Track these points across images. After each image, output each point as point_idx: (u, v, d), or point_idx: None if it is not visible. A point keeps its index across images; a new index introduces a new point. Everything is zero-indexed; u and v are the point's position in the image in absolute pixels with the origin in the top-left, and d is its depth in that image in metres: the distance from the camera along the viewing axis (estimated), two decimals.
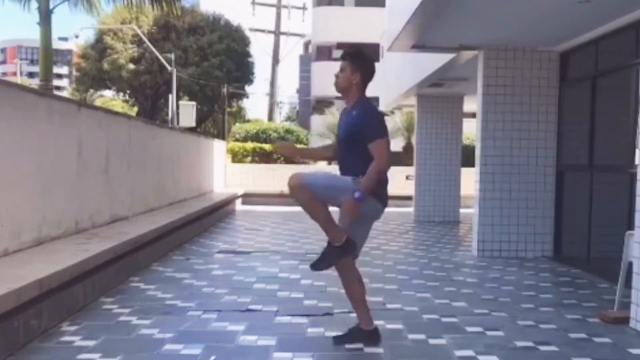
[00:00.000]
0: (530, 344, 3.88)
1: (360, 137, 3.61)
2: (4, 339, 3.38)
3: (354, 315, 4.48)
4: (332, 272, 6.18)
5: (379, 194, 3.65)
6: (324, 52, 30.07)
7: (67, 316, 4.21)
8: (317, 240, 8.61)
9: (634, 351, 3.78)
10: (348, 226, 3.71)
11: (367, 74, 3.72)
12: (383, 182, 3.67)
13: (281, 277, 5.88)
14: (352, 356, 3.64)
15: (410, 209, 12.63)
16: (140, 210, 7.90)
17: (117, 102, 36.26)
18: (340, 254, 3.66)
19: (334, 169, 3.93)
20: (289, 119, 50.20)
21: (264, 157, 20.78)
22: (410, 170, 14.63)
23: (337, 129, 4.00)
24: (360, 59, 3.73)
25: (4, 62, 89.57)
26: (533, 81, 7.36)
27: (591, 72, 6.80)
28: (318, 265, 3.71)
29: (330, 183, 3.65)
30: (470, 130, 14.16)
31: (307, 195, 3.54)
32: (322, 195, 3.58)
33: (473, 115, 10.01)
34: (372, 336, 3.80)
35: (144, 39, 24.23)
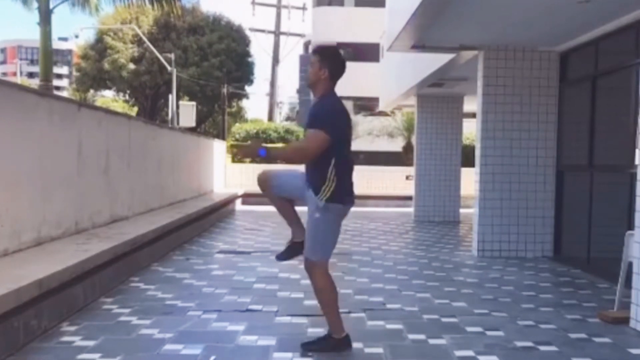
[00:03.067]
0: (530, 344, 3.88)
1: None
2: (4, 339, 3.38)
3: (354, 315, 4.50)
4: (332, 272, 6.19)
5: (335, 195, 3.57)
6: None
7: (67, 316, 4.21)
8: None
9: (634, 351, 3.78)
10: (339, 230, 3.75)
11: (336, 70, 3.72)
12: (344, 181, 3.62)
13: (281, 277, 5.88)
14: (352, 356, 3.64)
15: (410, 209, 12.63)
16: (140, 210, 7.90)
17: (118, 103, 36.26)
18: (335, 347, 3.68)
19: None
20: (288, 119, 50.20)
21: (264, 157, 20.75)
22: (410, 170, 14.64)
23: None
24: (329, 56, 3.74)
25: (4, 62, 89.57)
26: (533, 81, 7.36)
27: (591, 72, 6.80)
28: (309, 346, 3.72)
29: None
30: (470, 130, 14.18)
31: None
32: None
33: (473, 115, 10.01)
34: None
35: (144, 39, 24.23)
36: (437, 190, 11.88)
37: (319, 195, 3.57)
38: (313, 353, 3.63)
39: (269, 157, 3.60)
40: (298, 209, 3.86)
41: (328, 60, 3.70)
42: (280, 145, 20.68)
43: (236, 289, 5.33)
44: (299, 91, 45.05)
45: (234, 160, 19.92)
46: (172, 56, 23.81)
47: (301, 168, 3.76)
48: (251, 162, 20.65)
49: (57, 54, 62.23)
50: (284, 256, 3.96)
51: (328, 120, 3.55)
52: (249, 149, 3.77)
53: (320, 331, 4.02)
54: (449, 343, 3.87)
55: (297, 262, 6.65)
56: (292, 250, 3.93)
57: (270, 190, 3.79)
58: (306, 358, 3.56)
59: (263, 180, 3.79)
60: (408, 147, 20.80)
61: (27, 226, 4.83)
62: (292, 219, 3.89)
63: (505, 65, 7.32)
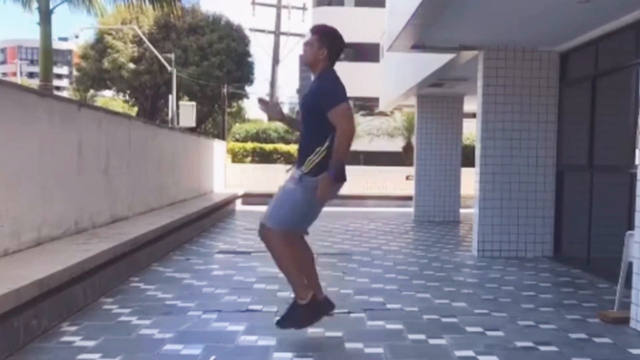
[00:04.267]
0: (530, 344, 3.88)
1: (318, 109, 3.60)
2: (4, 339, 3.38)
3: (354, 315, 4.50)
4: (332, 272, 6.20)
5: (321, 169, 3.55)
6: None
7: (67, 316, 4.21)
8: (316, 240, 8.61)
9: (634, 351, 3.78)
10: (312, 209, 3.68)
11: (335, 49, 3.73)
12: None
13: (281, 277, 5.81)
14: (352, 356, 3.64)
15: (410, 209, 12.62)
16: (140, 211, 7.90)
17: (117, 102, 36.25)
18: (307, 315, 3.69)
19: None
20: None
21: (264, 157, 20.79)
22: (410, 170, 14.64)
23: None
24: (328, 35, 3.75)
25: (4, 62, 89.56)
26: (533, 81, 7.35)
27: (591, 72, 6.80)
28: (283, 323, 3.72)
29: (291, 208, 3.64)
30: (470, 130, 14.19)
31: (288, 245, 3.65)
32: (298, 220, 3.66)
33: (473, 115, 10.02)
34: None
35: (144, 39, 24.23)
36: (437, 190, 11.87)
37: (303, 166, 3.56)
38: (290, 328, 3.64)
39: (340, 175, 3.52)
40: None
41: (327, 40, 3.72)
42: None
43: (236, 289, 5.33)
44: (299, 91, 45.04)
45: (234, 160, 19.93)
46: (172, 56, 23.81)
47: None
48: (251, 162, 20.67)
49: (57, 54, 62.17)
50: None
51: (336, 94, 3.57)
52: (329, 189, 3.54)
53: (320, 331, 4.03)
54: (449, 343, 3.87)
55: None
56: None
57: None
58: (306, 358, 3.56)
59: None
60: (408, 147, 20.80)
61: (27, 226, 4.83)
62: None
63: (505, 65, 7.32)
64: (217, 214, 10.85)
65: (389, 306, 4.82)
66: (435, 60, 8.53)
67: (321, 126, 3.57)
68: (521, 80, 7.34)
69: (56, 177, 5.39)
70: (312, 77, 3.84)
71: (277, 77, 31.48)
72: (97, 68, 26.74)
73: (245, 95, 31.81)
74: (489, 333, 4.10)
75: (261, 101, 4.06)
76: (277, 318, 3.80)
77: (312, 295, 3.71)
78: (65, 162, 5.61)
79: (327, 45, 3.69)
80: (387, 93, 13.77)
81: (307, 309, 3.69)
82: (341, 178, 3.62)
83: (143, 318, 4.30)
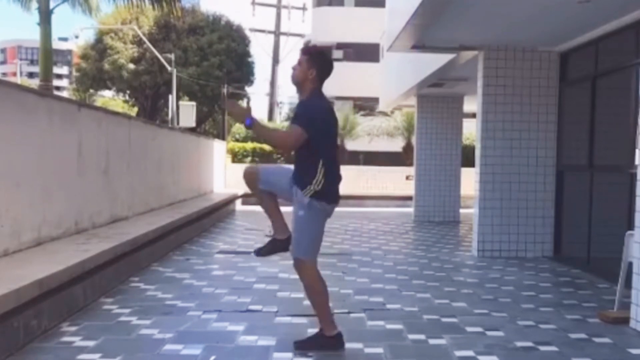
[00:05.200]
0: (530, 344, 3.88)
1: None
2: (4, 339, 3.38)
3: (354, 315, 4.50)
4: (332, 272, 6.20)
5: (320, 193, 3.60)
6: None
7: (67, 316, 4.21)
8: None
9: (634, 351, 3.78)
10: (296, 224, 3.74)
11: (324, 71, 3.74)
12: (330, 181, 3.63)
13: (281, 277, 5.88)
14: (352, 356, 3.64)
15: (410, 209, 12.62)
16: (140, 211, 7.89)
17: (117, 102, 36.24)
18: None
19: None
20: (288, 119, 50.21)
21: (264, 158, 20.79)
22: (410, 170, 14.65)
23: None
24: (318, 56, 3.77)
25: (4, 62, 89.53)
26: (533, 81, 7.36)
27: (591, 72, 6.80)
28: (301, 345, 3.72)
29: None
30: (470, 131, 14.19)
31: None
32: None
33: (473, 115, 10.02)
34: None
35: (144, 39, 24.22)
36: (437, 190, 11.88)
37: (304, 191, 3.60)
38: (309, 352, 3.63)
39: (252, 127, 3.57)
40: (283, 209, 3.85)
41: (316, 61, 3.73)
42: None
43: (236, 289, 5.33)
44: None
45: (234, 161, 19.93)
46: (172, 56, 23.80)
47: (291, 167, 3.78)
48: (251, 162, 20.65)
49: (57, 54, 62.13)
50: (263, 252, 3.96)
51: (310, 119, 3.59)
52: (240, 111, 3.65)
53: None
54: (449, 343, 3.87)
55: None
56: (272, 247, 3.93)
57: (257, 185, 3.80)
58: (306, 358, 3.56)
59: (250, 173, 3.81)
60: (408, 147, 20.80)
61: (27, 226, 4.83)
62: (276, 216, 3.89)
63: (505, 65, 7.32)
64: (217, 214, 10.85)
65: (389, 306, 4.82)
66: (435, 60, 8.53)
67: (311, 150, 3.59)
68: (521, 80, 7.34)
69: (56, 177, 5.39)
70: (299, 97, 3.83)
71: (277, 77, 31.51)
72: (97, 68, 26.73)
73: (246, 95, 31.81)
74: (489, 333, 4.10)
75: (228, 100, 4.11)
76: (298, 340, 3.78)
77: (337, 333, 3.73)
78: (65, 162, 5.61)
79: (317, 66, 3.70)
80: (387, 93, 13.77)
81: (330, 341, 3.70)
82: (336, 201, 3.75)
83: (143, 318, 4.30)
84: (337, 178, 3.74)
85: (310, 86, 3.72)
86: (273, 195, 3.85)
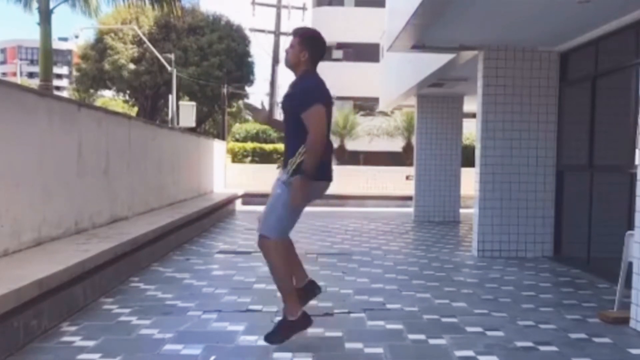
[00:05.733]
0: (530, 344, 3.88)
1: (296, 113, 3.60)
2: (4, 339, 3.38)
3: (354, 315, 4.50)
4: (332, 272, 6.21)
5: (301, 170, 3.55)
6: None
7: (67, 316, 4.21)
8: (316, 240, 8.62)
9: (634, 351, 3.78)
10: (293, 212, 3.69)
11: (316, 52, 3.72)
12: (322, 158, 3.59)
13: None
14: (351, 356, 3.64)
15: (410, 209, 12.62)
16: (140, 211, 7.90)
17: (117, 103, 36.24)
18: (293, 329, 3.69)
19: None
20: None
21: (264, 157, 20.80)
22: (410, 170, 14.64)
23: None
24: (310, 38, 3.75)
25: (4, 62, 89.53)
26: (533, 81, 7.35)
27: (591, 72, 6.80)
28: (271, 338, 3.70)
29: (283, 213, 3.65)
30: (470, 130, 14.19)
31: (283, 252, 3.68)
32: (290, 223, 3.70)
33: (473, 115, 10.02)
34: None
35: (144, 39, 24.22)
36: (437, 190, 11.87)
37: (287, 168, 3.57)
38: (283, 340, 3.64)
39: (310, 177, 3.50)
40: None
41: (308, 42, 3.71)
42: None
43: (236, 289, 5.33)
44: None
45: (234, 160, 19.94)
46: (172, 56, 23.80)
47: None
48: (251, 162, 20.68)
49: (57, 54, 62.14)
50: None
51: (310, 95, 3.55)
52: (298, 192, 3.53)
53: (319, 331, 4.03)
54: (449, 343, 3.87)
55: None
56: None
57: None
58: (306, 358, 3.56)
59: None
60: (408, 147, 20.82)
61: (27, 226, 4.83)
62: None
63: (505, 65, 7.32)
64: (217, 214, 10.85)
65: (389, 306, 4.82)
66: (435, 60, 8.52)
67: (303, 126, 3.56)
68: (521, 80, 7.34)
69: (56, 177, 5.39)
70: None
71: (277, 77, 31.50)
72: (97, 68, 26.73)
73: (245, 95, 31.81)
74: (489, 333, 4.10)
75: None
76: (266, 333, 3.76)
77: (301, 313, 3.72)
78: (65, 162, 5.61)
79: (309, 47, 3.69)
80: (387, 93, 13.77)
81: (295, 324, 3.70)
82: (325, 177, 3.66)
83: (143, 318, 4.30)
84: (327, 157, 3.68)
85: (303, 68, 3.70)
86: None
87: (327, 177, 3.70)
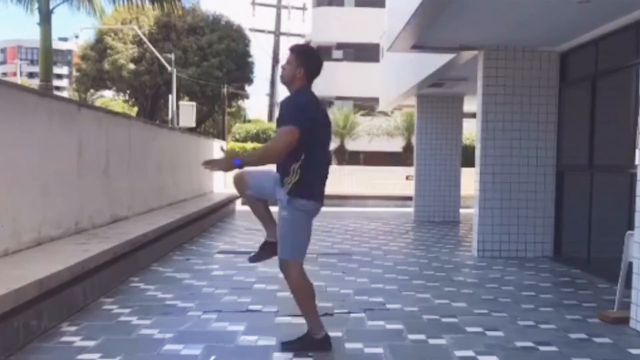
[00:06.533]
0: (530, 344, 3.88)
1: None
2: (4, 339, 3.38)
3: (354, 315, 4.50)
4: (332, 272, 6.21)
5: (299, 189, 3.54)
6: (324, 53, 29.91)
7: (67, 316, 4.21)
8: (317, 240, 8.61)
9: (634, 351, 3.78)
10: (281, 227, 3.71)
11: (312, 69, 3.70)
12: (311, 178, 3.58)
13: (281, 278, 5.79)
14: (352, 356, 3.64)
15: (410, 209, 12.62)
16: (140, 211, 7.90)
17: (117, 103, 36.24)
18: (313, 347, 3.68)
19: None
20: None
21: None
22: (410, 170, 14.64)
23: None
24: (306, 54, 3.73)
25: (4, 62, 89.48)
26: (533, 81, 7.35)
27: (591, 72, 6.80)
28: (287, 346, 3.71)
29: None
30: (470, 131, 14.18)
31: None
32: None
33: (473, 115, 10.01)
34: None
35: (144, 39, 24.23)
36: (437, 190, 11.87)
37: (284, 188, 3.57)
38: (300, 352, 3.62)
39: (243, 165, 3.54)
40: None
41: (305, 59, 3.69)
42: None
43: (236, 289, 5.33)
44: None
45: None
46: (172, 56, 23.81)
47: (274, 167, 3.74)
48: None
49: (57, 54, 62.18)
50: (257, 257, 3.95)
51: (297, 114, 3.50)
52: (224, 162, 3.57)
53: None
54: (449, 343, 3.87)
55: None
56: (266, 251, 3.91)
57: (246, 191, 3.80)
58: (306, 358, 3.56)
59: (239, 180, 3.80)
60: (408, 147, 20.81)
61: (27, 226, 4.83)
62: (266, 219, 3.89)
63: (505, 65, 7.32)
64: (217, 214, 10.85)
65: (389, 306, 4.82)
66: (435, 60, 8.52)
67: (294, 148, 3.51)
68: (521, 80, 7.33)
69: (56, 177, 5.39)
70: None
71: (277, 77, 31.50)
72: (97, 68, 26.73)
73: (245, 95, 31.82)
74: (489, 333, 4.10)
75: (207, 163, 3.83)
76: (285, 341, 3.77)
77: (324, 334, 3.70)
78: (65, 162, 5.61)
79: (305, 63, 3.66)
80: (387, 93, 13.77)
81: (318, 343, 3.69)
82: (319, 200, 3.68)
83: (143, 318, 4.30)
84: (323, 178, 3.69)
85: (299, 84, 3.67)
86: (263, 200, 3.84)
87: (320, 200, 3.69)
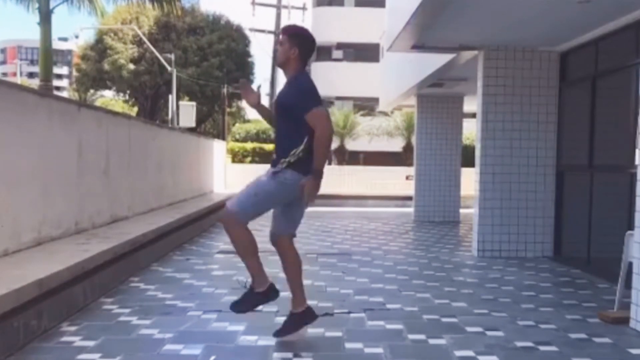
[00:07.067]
0: (530, 344, 3.88)
1: (295, 112, 3.61)
2: (4, 339, 3.38)
3: (354, 315, 4.49)
4: (332, 272, 6.20)
5: (296, 165, 3.59)
6: (324, 52, 30.05)
7: (67, 316, 4.21)
8: (317, 240, 8.62)
9: (634, 351, 3.78)
10: (294, 209, 3.76)
11: (306, 49, 3.74)
12: (310, 158, 3.60)
13: (281, 278, 5.82)
14: (351, 356, 3.64)
15: (410, 209, 12.62)
16: (140, 211, 7.90)
17: (117, 103, 36.24)
18: (261, 301, 3.77)
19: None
20: None
21: (264, 157, 20.79)
22: (410, 170, 14.64)
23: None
24: (299, 35, 3.77)
25: (4, 62, 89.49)
26: (533, 81, 7.35)
27: (591, 72, 6.80)
28: (237, 307, 3.76)
29: (256, 200, 3.66)
30: (470, 131, 14.19)
31: (238, 229, 3.67)
32: (258, 210, 3.72)
33: (473, 115, 10.01)
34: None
35: (144, 39, 24.23)
36: (437, 190, 11.87)
37: (278, 165, 3.60)
38: (293, 334, 3.70)
39: (322, 173, 3.59)
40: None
41: (297, 40, 3.73)
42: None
43: (236, 289, 5.29)
44: None
45: (234, 161, 19.94)
46: (172, 56, 23.80)
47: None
48: (251, 162, 20.69)
49: (57, 54, 62.16)
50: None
51: (313, 97, 3.61)
52: (314, 186, 3.57)
53: (320, 331, 4.03)
54: (449, 343, 3.87)
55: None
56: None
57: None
58: (306, 358, 3.56)
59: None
60: (408, 147, 20.81)
61: (27, 226, 4.83)
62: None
63: (505, 65, 7.32)
64: (217, 214, 10.84)
65: (389, 306, 4.82)
66: (435, 60, 8.52)
67: (299, 126, 3.59)
68: (521, 80, 7.33)
69: (56, 177, 5.39)
70: (285, 77, 3.85)
71: (277, 77, 31.49)
72: (97, 68, 26.73)
73: (259, 87, 31.75)
74: (489, 333, 4.10)
75: (241, 83, 4.05)
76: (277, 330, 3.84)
77: (268, 286, 3.80)
78: (65, 162, 5.61)
79: (298, 44, 3.70)
80: (387, 93, 13.77)
81: (262, 295, 3.78)
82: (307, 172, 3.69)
83: (143, 318, 4.30)
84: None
85: (294, 65, 3.72)
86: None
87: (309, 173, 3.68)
